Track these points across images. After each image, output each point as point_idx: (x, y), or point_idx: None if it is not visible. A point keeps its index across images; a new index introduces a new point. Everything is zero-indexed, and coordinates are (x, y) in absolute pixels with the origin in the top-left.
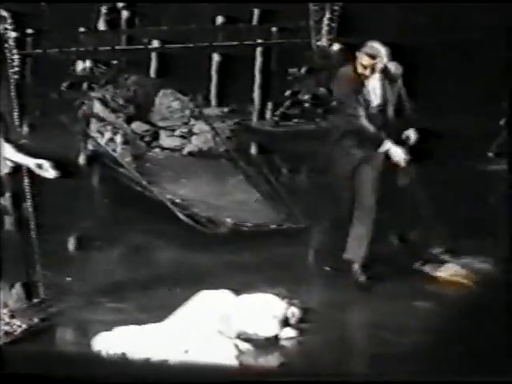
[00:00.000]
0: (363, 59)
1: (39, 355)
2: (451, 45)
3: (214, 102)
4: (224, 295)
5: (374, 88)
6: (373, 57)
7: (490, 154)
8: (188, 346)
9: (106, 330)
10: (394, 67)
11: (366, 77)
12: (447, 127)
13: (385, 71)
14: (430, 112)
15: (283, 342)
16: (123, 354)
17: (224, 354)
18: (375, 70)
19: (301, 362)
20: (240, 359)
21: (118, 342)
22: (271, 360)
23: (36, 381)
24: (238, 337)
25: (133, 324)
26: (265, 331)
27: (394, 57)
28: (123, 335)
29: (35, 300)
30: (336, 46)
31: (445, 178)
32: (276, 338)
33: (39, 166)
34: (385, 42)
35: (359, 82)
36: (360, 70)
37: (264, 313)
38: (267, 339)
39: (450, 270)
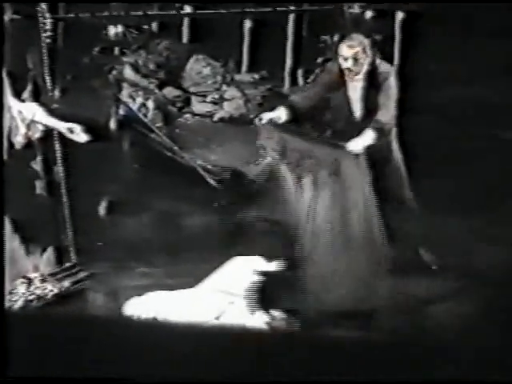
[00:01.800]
0: (343, 50)
1: (70, 319)
2: (483, 9)
3: (245, 68)
4: (257, 262)
5: (355, 94)
6: (352, 46)
7: None
8: (219, 312)
9: (137, 295)
10: (382, 66)
11: (351, 72)
12: (473, 94)
13: (371, 73)
14: (456, 78)
15: None
16: (154, 319)
17: (255, 321)
18: (358, 62)
19: None
20: (271, 325)
21: (148, 307)
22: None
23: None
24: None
25: (163, 289)
26: None
27: (425, 22)
28: (154, 300)
29: (66, 264)
30: (369, 13)
31: (471, 147)
32: None
33: (70, 130)
34: (414, 10)
35: (342, 81)
36: (343, 64)
37: None
38: None
39: None
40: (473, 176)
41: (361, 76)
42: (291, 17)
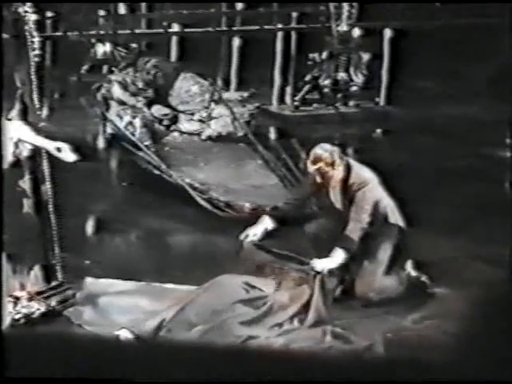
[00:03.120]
0: (308, 166)
1: (56, 337)
2: (470, 27)
3: (233, 86)
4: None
5: (336, 199)
6: (315, 161)
7: (509, 141)
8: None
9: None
10: (360, 174)
11: (328, 183)
12: (462, 112)
13: (347, 181)
14: (446, 97)
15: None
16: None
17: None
18: (326, 175)
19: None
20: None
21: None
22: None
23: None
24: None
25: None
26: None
27: (412, 40)
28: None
29: (53, 283)
30: (356, 31)
31: (462, 164)
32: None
33: (58, 149)
34: (401, 28)
35: (321, 188)
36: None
37: None
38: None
39: None
40: (462, 195)
41: (335, 184)
42: (279, 35)
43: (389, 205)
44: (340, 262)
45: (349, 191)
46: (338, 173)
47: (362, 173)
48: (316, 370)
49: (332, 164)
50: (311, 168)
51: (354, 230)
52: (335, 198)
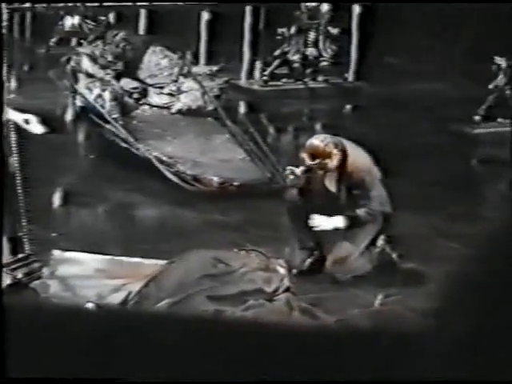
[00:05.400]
0: (305, 161)
1: (24, 308)
2: (439, 3)
3: (203, 60)
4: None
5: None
6: (311, 156)
7: (477, 118)
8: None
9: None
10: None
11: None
12: (430, 89)
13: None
14: (414, 73)
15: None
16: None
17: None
18: (325, 168)
19: None
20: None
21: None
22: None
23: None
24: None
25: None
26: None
27: (381, 16)
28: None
29: (20, 255)
30: (325, 7)
31: (430, 141)
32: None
33: (26, 121)
34: (370, 4)
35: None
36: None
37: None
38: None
39: None
40: (431, 172)
41: (332, 172)
42: (248, 9)
43: (381, 192)
44: (337, 226)
45: (348, 179)
46: (335, 162)
47: (359, 161)
48: (285, 342)
49: (329, 155)
50: (308, 163)
51: (362, 214)
52: (330, 182)
